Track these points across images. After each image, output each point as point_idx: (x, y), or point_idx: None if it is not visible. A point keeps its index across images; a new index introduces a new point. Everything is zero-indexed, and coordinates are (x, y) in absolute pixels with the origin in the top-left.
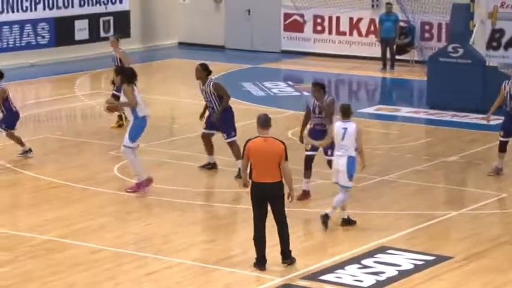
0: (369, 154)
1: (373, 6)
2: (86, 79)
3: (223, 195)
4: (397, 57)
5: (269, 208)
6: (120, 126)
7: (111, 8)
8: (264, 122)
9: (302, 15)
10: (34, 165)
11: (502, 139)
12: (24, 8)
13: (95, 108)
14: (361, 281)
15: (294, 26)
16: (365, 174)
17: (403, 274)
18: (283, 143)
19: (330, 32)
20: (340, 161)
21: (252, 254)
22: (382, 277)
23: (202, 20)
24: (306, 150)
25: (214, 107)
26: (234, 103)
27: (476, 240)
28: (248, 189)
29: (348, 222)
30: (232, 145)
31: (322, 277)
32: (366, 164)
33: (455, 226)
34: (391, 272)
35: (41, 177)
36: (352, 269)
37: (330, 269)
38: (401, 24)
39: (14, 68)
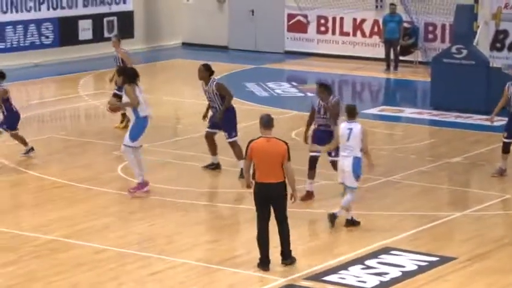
0: (373, 155)
1: (377, 7)
2: (90, 79)
3: (227, 196)
4: (401, 58)
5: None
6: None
7: (115, 8)
8: (267, 123)
9: (306, 16)
10: (38, 165)
11: (505, 140)
12: (28, 8)
13: (99, 108)
14: (364, 282)
15: (298, 26)
16: (369, 175)
17: (407, 275)
18: (286, 143)
19: (334, 33)
20: (345, 162)
21: (256, 255)
22: (386, 278)
23: (206, 21)
24: (311, 152)
25: (217, 107)
26: (237, 103)
27: (480, 241)
28: (251, 190)
29: (351, 223)
30: (234, 145)
31: (326, 278)
32: (373, 164)
33: (459, 227)
34: (395, 272)
35: (45, 177)
36: (355, 269)
37: (334, 270)
38: (405, 25)
39: (18, 68)
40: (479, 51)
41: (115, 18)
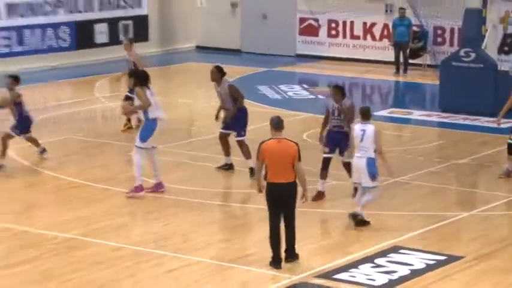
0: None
1: (386, 11)
2: (106, 82)
3: (240, 196)
4: (410, 61)
5: None
6: (129, 128)
7: (130, 12)
8: (277, 124)
9: (317, 20)
10: (55, 166)
11: (511, 141)
12: (45, 13)
13: (115, 110)
14: (373, 280)
15: (309, 30)
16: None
17: (416, 273)
18: (297, 144)
19: (344, 36)
20: (359, 163)
21: (268, 253)
22: (395, 276)
23: (219, 25)
24: (324, 153)
25: (230, 108)
26: (250, 105)
27: (486, 241)
28: (263, 193)
29: (362, 223)
30: (242, 145)
31: (337, 276)
32: (392, 169)
33: (466, 227)
34: (404, 271)
35: (62, 177)
36: (365, 268)
37: (344, 268)
38: (415, 28)
39: (37, 71)
40: (487, 54)
41: (130, 22)
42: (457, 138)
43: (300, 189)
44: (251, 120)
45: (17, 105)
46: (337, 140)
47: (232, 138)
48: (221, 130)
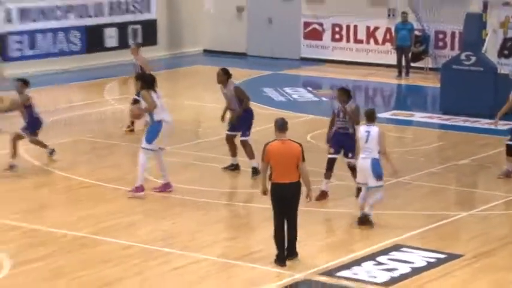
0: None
1: (389, 15)
2: (115, 84)
3: (246, 195)
4: (412, 64)
5: None
6: (131, 131)
7: (139, 16)
8: (281, 126)
9: (321, 24)
10: (66, 166)
11: (509, 143)
12: (57, 17)
13: (124, 112)
14: (375, 277)
15: (313, 34)
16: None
17: (416, 271)
18: (300, 145)
19: (348, 40)
20: (364, 163)
21: (273, 251)
22: (396, 274)
23: (226, 29)
24: (329, 154)
25: (236, 109)
26: (255, 108)
27: (485, 240)
28: (267, 196)
29: (367, 222)
30: (245, 145)
31: (340, 273)
32: (396, 169)
33: (466, 226)
34: (405, 268)
35: (73, 177)
36: (368, 265)
37: (347, 266)
38: (417, 32)
39: (48, 74)
40: (487, 58)
41: (139, 27)
42: (458, 140)
43: (303, 189)
44: (256, 122)
45: (27, 107)
46: (342, 141)
47: (238, 139)
48: (227, 132)
